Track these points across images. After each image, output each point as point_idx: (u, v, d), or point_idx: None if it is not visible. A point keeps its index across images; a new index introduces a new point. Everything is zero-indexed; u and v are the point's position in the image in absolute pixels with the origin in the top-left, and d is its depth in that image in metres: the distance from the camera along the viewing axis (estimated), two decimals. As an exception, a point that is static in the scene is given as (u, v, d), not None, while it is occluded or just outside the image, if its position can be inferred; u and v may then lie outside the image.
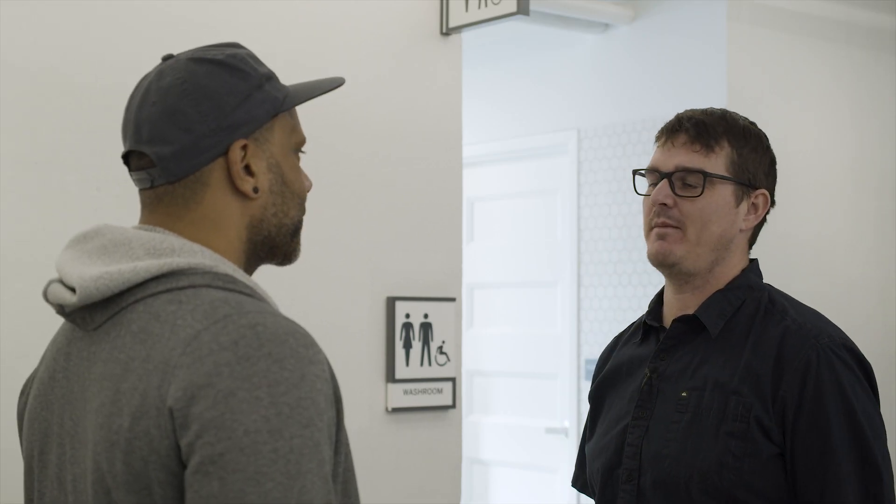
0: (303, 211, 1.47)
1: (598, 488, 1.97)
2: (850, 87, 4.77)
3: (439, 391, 3.47)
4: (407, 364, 3.41)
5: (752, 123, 1.97)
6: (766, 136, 1.97)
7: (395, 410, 3.39)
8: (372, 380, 3.37)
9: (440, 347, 3.48)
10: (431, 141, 3.52)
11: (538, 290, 5.06)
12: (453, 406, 3.50)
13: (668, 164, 1.91)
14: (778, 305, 1.90)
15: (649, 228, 1.92)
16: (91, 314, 1.36)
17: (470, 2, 3.44)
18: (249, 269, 1.45)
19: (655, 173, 1.93)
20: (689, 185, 1.89)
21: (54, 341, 1.45)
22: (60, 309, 1.39)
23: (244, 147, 1.39)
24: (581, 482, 2.13)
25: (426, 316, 3.46)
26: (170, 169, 1.39)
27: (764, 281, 1.98)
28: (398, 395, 3.38)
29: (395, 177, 3.44)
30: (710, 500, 1.79)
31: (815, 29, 4.65)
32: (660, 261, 1.91)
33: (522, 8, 3.32)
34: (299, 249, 1.48)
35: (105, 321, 1.35)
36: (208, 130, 1.38)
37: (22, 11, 2.80)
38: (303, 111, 1.52)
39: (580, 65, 4.82)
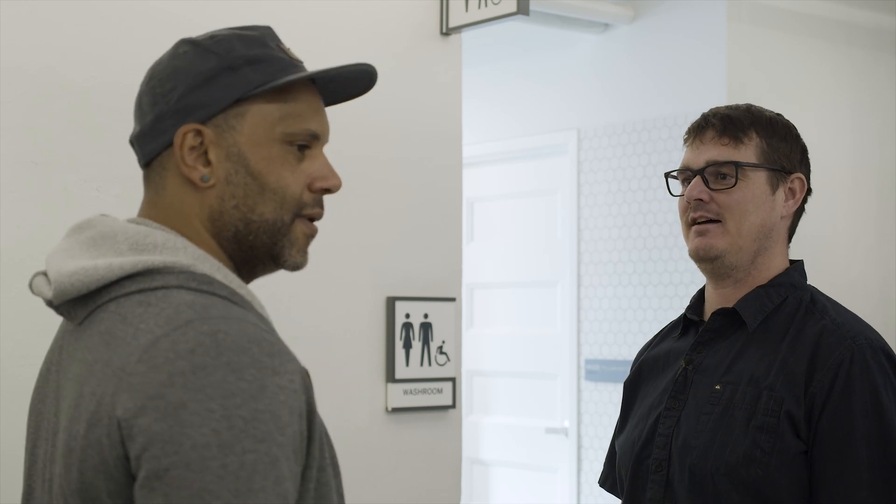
0: (288, 210, 1.35)
1: (627, 477, 1.95)
2: (850, 87, 4.77)
3: (439, 391, 3.47)
4: (407, 364, 3.41)
5: (779, 115, 1.97)
6: (794, 126, 1.97)
7: (395, 410, 3.39)
8: (372, 380, 3.37)
9: (440, 347, 3.48)
10: (431, 141, 3.51)
11: (538, 290, 5.06)
12: (453, 406, 3.50)
13: (699, 161, 1.90)
14: (819, 305, 1.89)
15: (688, 226, 1.92)
16: (74, 309, 1.31)
17: (470, 2, 3.44)
18: (242, 272, 1.37)
19: (687, 172, 1.93)
20: (723, 178, 1.88)
21: (57, 332, 1.42)
22: (49, 302, 1.34)
23: (199, 132, 1.32)
24: (610, 482, 2.11)
25: (426, 316, 3.45)
26: (138, 151, 1.37)
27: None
28: (398, 395, 3.38)
29: (395, 177, 3.43)
30: (736, 494, 1.78)
31: (815, 29, 4.65)
32: (701, 256, 1.89)
33: (522, 8, 3.31)
34: (297, 253, 1.37)
35: (85, 317, 1.30)
36: (162, 112, 1.33)
37: (22, 11, 2.80)
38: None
39: (580, 65, 4.82)
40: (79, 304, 1.31)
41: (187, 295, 1.24)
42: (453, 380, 3.51)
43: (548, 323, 5.01)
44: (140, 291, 1.26)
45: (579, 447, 4.78)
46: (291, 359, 1.23)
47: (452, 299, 3.52)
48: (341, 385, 3.31)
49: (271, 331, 1.28)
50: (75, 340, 1.32)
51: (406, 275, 3.44)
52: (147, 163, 1.36)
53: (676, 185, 1.98)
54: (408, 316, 3.42)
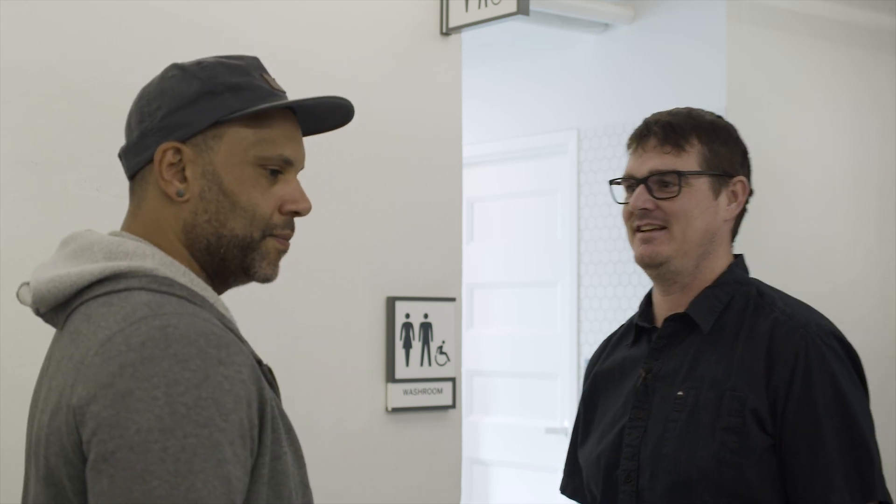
0: (257, 228, 1.44)
1: (599, 491, 1.97)
2: (850, 87, 4.77)
3: (439, 391, 3.47)
4: (407, 364, 3.41)
5: (719, 117, 1.99)
6: (734, 128, 2.00)
7: (395, 410, 3.39)
8: (372, 380, 3.37)
9: (440, 347, 3.48)
10: (431, 141, 3.51)
11: (538, 290, 5.05)
12: (453, 406, 3.50)
13: (642, 170, 1.93)
14: (767, 298, 1.92)
15: (633, 233, 1.94)
16: (55, 315, 1.42)
17: (470, 2, 3.44)
18: (215, 282, 1.46)
19: (631, 180, 1.95)
20: (666, 187, 1.91)
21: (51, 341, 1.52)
22: (36, 310, 1.45)
23: (178, 150, 1.41)
24: (571, 488, 2.14)
25: (426, 316, 3.45)
26: (124, 165, 1.48)
27: (751, 276, 2.00)
28: (398, 395, 3.38)
29: (395, 177, 3.43)
30: (711, 497, 1.80)
31: (815, 29, 4.65)
32: (647, 262, 1.93)
33: (522, 8, 3.31)
34: (268, 268, 1.46)
35: (64, 322, 1.40)
36: (146, 130, 1.43)
37: (22, 11, 2.80)
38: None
39: (580, 65, 4.82)
40: (60, 311, 1.41)
41: (146, 295, 1.34)
42: (453, 380, 3.51)
43: (548, 323, 5.01)
44: (106, 294, 1.35)
45: (579, 447, 4.78)
46: (240, 351, 1.31)
47: (452, 299, 3.52)
48: (341, 385, 3.31)
49: (229, 329, 1.36)
50: (56, 344, 1.42)
51: (406, 275, 3.44)
52: (132, 176, 1.47)
53: (620, 192, 2.00)
54: (408, 316, 3.42)
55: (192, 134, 1.41)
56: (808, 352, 1.81)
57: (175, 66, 1.46)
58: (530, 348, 5.08)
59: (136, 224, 1.45)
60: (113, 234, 1.46)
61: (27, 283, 1.45)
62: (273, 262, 1.46)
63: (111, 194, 2.86)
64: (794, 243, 4.44)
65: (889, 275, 4.85)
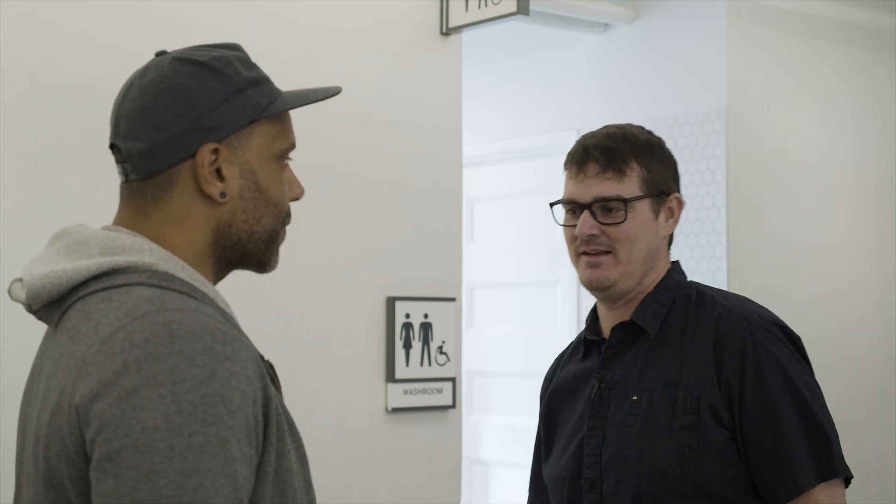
0: (280, 220, 1.45)
1: (564, 503, 2.00)
2: (850, 87, 4.77)
3: (439, 391, 3.47)
4: (407, 364, 3.41)
5: (650, 133, 2.04)
6: (663, 141, 2.05)
7: (395, 410, 3.39)
8: (372, 380, 3.37)
9: (440, 347, 3.48)
10: (431, 141, 3.51)
11: (538, 290, 5.05)
12: (453, 406, 3.50)
13: (586, 196, 1.98)
14: (707, 297, 1.97)
15: (577, 255, 1.99)
16: (50, 312, 1.39)
17: (470, 2, 3.44)
18: (220, 271, 1.45)
19: (574, 205, 2.00)
20: (611, 213, 1.95)
21: (42, 339, 1.48)
22: (28, 307, 1.42)
23: (215, 151, 1.39)
24: None
25: (426, 316, 3.45)
26: (139, 165, 1.41)
27: (690, 279, 2.05)
28: (398, 395, 3.38)
29: (395, 177, 3.43)
30: (676, 495, 1.85)
31: (815, 29, 4.65)
32: (595, 286, 1.97)
33: (522, 8, 3.31)
34: (277, 259, 1.47)
35: (59, 319, 1.37)
36: (179, 131, 1.39)
37: (22, 11, 2.80)
38: (303, 111, 1.51)
39: (580, 65, 4.82)
40: (54, 308, 1.38)
41: (147, 290, 1.31)
42: (453, 380, 3.51)
43: (548, 323, 5.01)
44: (104, 289, 1.33)
45: (579, 447, 4.78)
46: (245, 347, 1.29)
47: (452, 299, 3.52)
48: (341, 385, 3.31)
49: (231, 324, 1.34)
50: (51, 341, 1.39)
51: (406, 275, 3.44)
52: (146, 176, 1.41)
53: (560, 213, 2.06)
54: (408, 316, 3.42)
55: (230, 133, 1.40)
56: (754, 343, 1.86)
57: (184, 61, 1.41)
58: (530, 348, 5.08)
59: (146, 223, 1.41)
60: (106, 228, 1.43)
61: (19, 280, 1.41)
62: (277, 253, 1.48)
63: (111, 194, 2.85)
64: (794, 243, 4.44)
65: (889, 275, 4.85)
